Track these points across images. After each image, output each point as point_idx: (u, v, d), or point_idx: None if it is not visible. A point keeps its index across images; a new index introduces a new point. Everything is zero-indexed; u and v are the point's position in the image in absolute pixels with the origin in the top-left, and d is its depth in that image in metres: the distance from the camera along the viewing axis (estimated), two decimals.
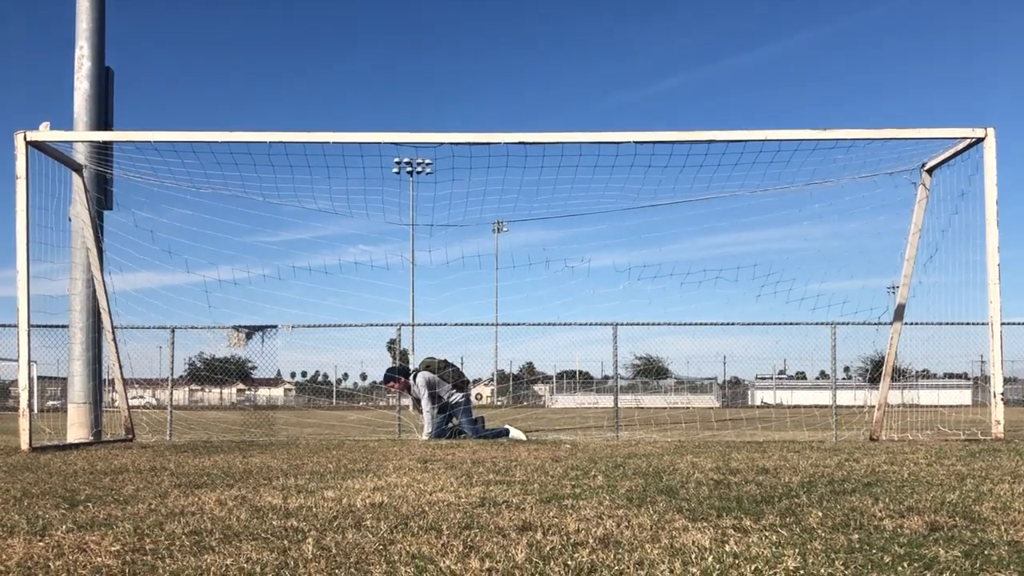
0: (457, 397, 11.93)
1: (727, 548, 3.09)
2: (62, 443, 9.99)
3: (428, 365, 12.05)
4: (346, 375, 79.63)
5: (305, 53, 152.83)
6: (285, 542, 3.27)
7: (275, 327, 13.42)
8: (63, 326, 11.54)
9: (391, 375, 12.21)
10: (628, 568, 2.79)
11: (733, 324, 13.90)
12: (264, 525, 3.68)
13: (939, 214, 10.34)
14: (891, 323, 10.82)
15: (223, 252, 11.08)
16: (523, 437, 11.60)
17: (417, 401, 12.14)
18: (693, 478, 5.57)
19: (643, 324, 13.78)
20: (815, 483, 5.23)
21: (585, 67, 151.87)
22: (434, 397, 11.84)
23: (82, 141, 10.55)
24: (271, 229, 11.27)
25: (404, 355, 12.36)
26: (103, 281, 10.55)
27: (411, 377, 12.06)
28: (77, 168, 10.40)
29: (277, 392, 66.96)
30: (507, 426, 12.10)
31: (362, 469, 6.45)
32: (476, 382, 13.29)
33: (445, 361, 12.19)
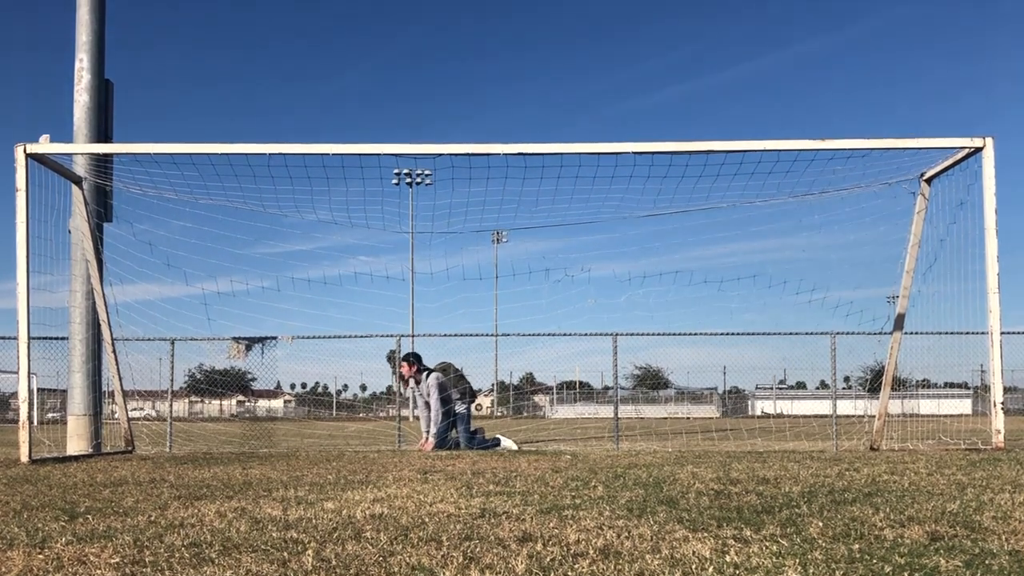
0: (460, 408, 11.98)
1: (728, 558, 3.08)
2: (62, 455, 9.98)
3: (443, 369, 12.11)
4: (346, 386, 79.52)
5: (304, 65, 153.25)
6: (285, 554, 3.27)
7: (275, 338, 13.42)
8: (63, 338, 11.54)
9: (409, 359, 12.21)
10: None
11: (733, 334, 13.92)
12: (264, 537, 3.68)
13: (938, 224, 10.37)
14: (891, 333, 10.83)
15: (223, 264, 11.10)
16: (515, 447, 11.66)
17: (425, 401, 12.11)
18: (693, 488, 5.56)
19: (643, 334, 13.80)
20: (816, 493, 5.23)
21: (587, 76, 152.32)
22: (445, 400, 11.87)
23: (82, 153, 10.57)
24: (271, 240, 11.29)
25: (418, 357, 12.29)
26: (103, 293, 10.55)
27: (424, 373, 12.07)
28: (77, 180, 10.42)
29: (277, 403, 66.90)
30: (498, 436, 12.16)
31: (362, 480, 6.44)
32: (478, 392, 13.35)
33: (460, 373, 12.26)
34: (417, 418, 13.41)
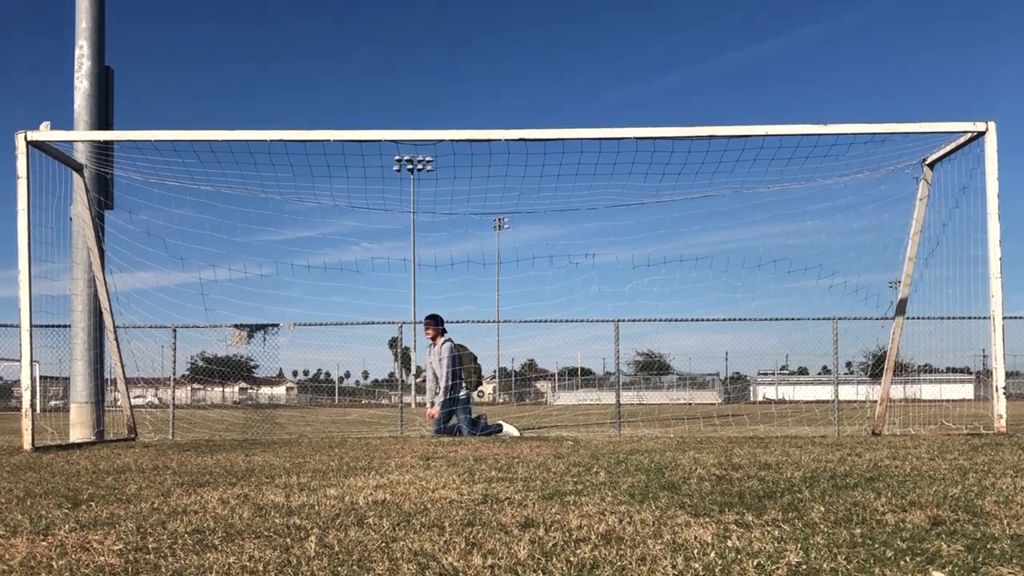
0: (462, 393, 12.01)
1: (729, 543, 3.09)
2: (65, 443, 10.00)
3: (459, 346, 12.16)
4: (348, 373, 79.74)
5: (306, 51, 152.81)
6: (288, 540, 3.28)
7: (276, 325, 13.43)
8: (65, 326, 11.55)
9: (432, 320, 12.26)
10: (630, 564, 2.79)
11: (735, 320, 13.91)
12: (266, 523, 3.68)
13: (940, 208, 10.35)
14: (893, 318, 10.82)
15: (224, 252, 11.08)
16: (516, 433, 11.70)
17: (433, 372, 12.15)
18: (695, 474, 5.57)
19: (645, 320, 13.79)
20: (817, 478, 5.23)
21: (586, 63, 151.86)
22: (454, 374, 11.93)
23: (82, 141, 10.55)
24: (273, 228, 11.28)
25: (440, 320, 12.30)
26: (104, 281, 10.55)
27: (444, 337, 12.11)
28: (78, 168, 10.40)
29: (279, 391, 67.07)
30: (500, 422, 12.20)
31: (364, 467, 6.45)
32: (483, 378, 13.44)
33: (474, 357, 12.30)
34: (420, 404, 13.43)
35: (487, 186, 10.20)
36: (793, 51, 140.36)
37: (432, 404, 12.15)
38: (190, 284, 11.26)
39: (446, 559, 2.89)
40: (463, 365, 12.12)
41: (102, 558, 3.00)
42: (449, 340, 12.14)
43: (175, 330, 13.11)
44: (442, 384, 11.90)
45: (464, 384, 12.08)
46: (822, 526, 3.44)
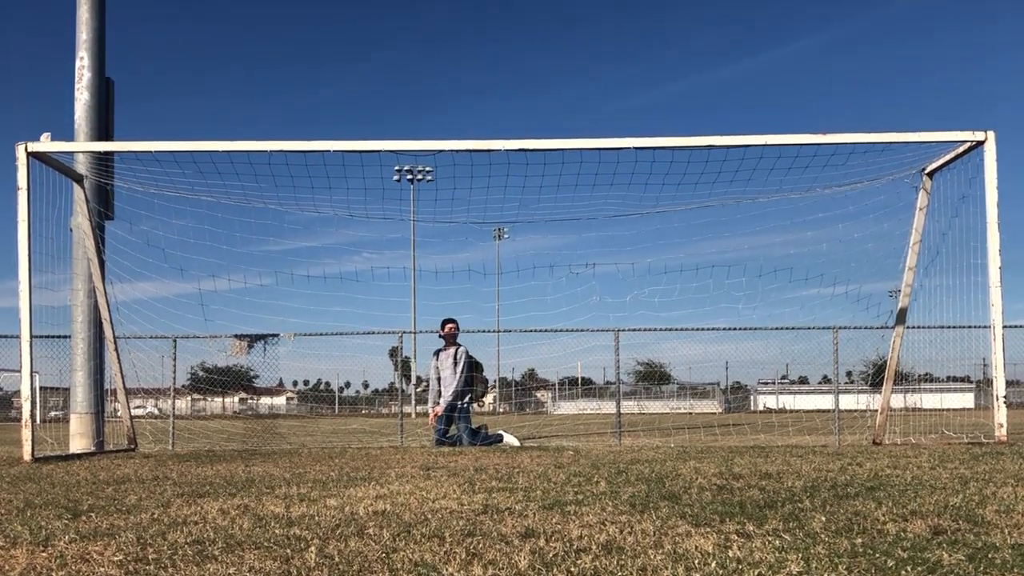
0: (464, 402, 12.01)
1: (730, 553, 3.08)
2: (64, 453, 9.99)
3: (471, 358, 12.19)
4: (348, 383, 79.72)
5: (307, 58, 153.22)
6: (288, 551, 3.27)
7: (276, 336, 13.43)
8: (65, 336, 11.54)
9: (451, 320, 12.34)
10: (631, 574, 2.79)
11: (735, 329, 13.89)
12: (267, 534, 3.68)
13: (940, 218, 10.36)
14: (893, 327, 10.82)
15: (224, 261, 11.08)
16: (517, 443, 11.69)
17: (438, 376, 12.16)
18: (696, 483, 5.56)
19: (645, 330, 13.77)
20: (818, 487, 5.23)
21: (589, 71, 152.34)
22: (468, 380, 11.94)
23: (83, 152, 10.57)
24: (273, 238, 11.29)
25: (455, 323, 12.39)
26: (104, 291, 10.56)
27: (459, 343, 12.15)
28: (78, 179, 10.42)
29: (279, 400, 66.96)
30: (501, 432, 12.19)
31: (364, 477, 6.45)
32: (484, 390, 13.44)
33: (482, 368, 12.32)
34: (421, 414, 13.42)
35: (487, 196, 10.22)
36: (793, 62, 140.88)
37: (436, 404, 12.14)
38: (190, 294, 11.27)
39: (446, 569, 2.89)
40: (474, 373, 12.15)
41: (102, 569, 2.99)
42: (465, 348, 12.18)
43: (175, 340, 13.11)
44: (453, 387, 11.89)
45: (471, 393, 12.10)
46: (823, 536, 3.44)
